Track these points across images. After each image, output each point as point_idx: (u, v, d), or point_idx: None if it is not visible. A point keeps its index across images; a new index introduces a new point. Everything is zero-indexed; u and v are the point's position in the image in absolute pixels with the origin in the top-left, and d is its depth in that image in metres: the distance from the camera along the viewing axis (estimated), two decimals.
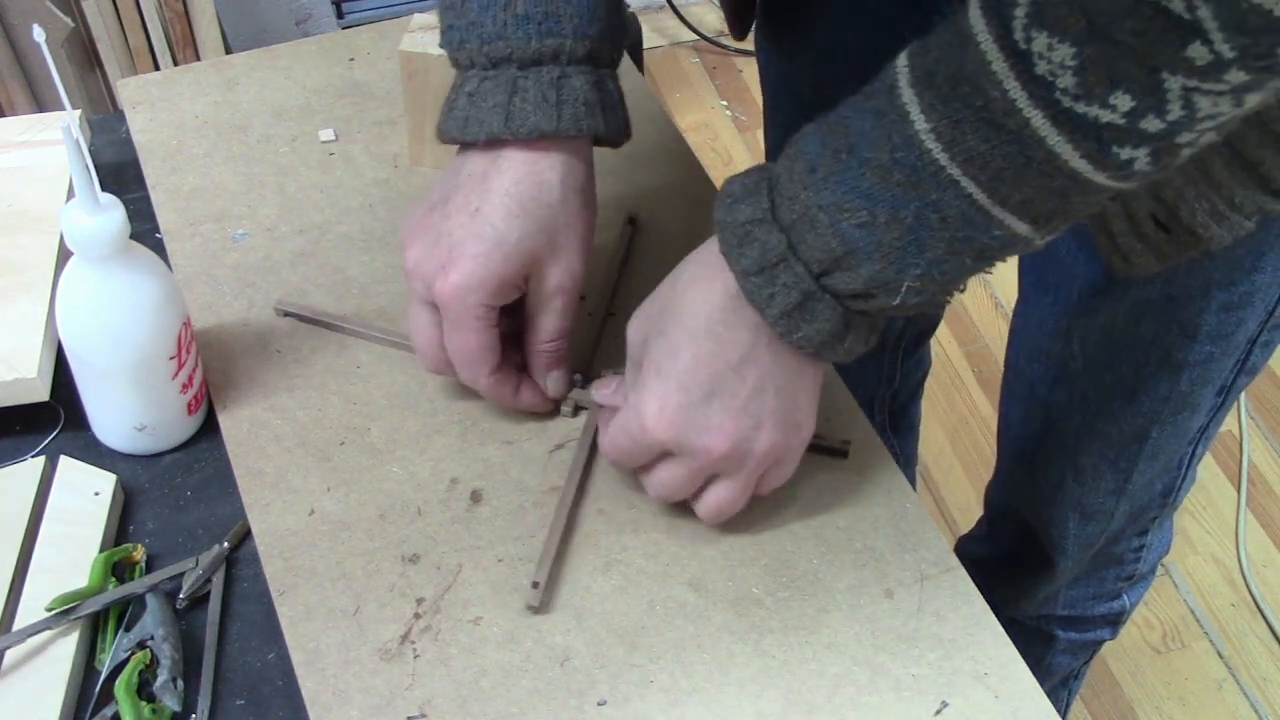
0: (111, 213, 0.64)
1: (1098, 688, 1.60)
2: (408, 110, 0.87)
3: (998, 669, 0.65)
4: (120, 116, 0.93)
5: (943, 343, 1.96)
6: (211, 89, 0.95)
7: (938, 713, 0.63)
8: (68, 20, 1.81)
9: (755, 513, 0.68)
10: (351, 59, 0.98)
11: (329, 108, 0.94)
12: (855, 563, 0.69)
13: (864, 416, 0.75)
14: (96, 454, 0.73)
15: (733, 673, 0.64)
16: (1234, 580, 1.71)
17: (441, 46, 0.69)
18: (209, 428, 0.75)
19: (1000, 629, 0.66)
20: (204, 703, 0.63)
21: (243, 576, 0.69)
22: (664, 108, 1.10)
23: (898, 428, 1.35)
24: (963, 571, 0.68)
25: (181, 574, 0.68)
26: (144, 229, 0.85)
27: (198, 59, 1.96)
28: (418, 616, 0.66)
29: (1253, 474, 1.82)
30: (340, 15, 2.27)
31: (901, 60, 0.53)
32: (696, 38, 2.51)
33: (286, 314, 0.79)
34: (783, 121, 1.06)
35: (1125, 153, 0.49)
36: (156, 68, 1.93)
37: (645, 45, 2.30)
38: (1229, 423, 1.85)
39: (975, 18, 0.49)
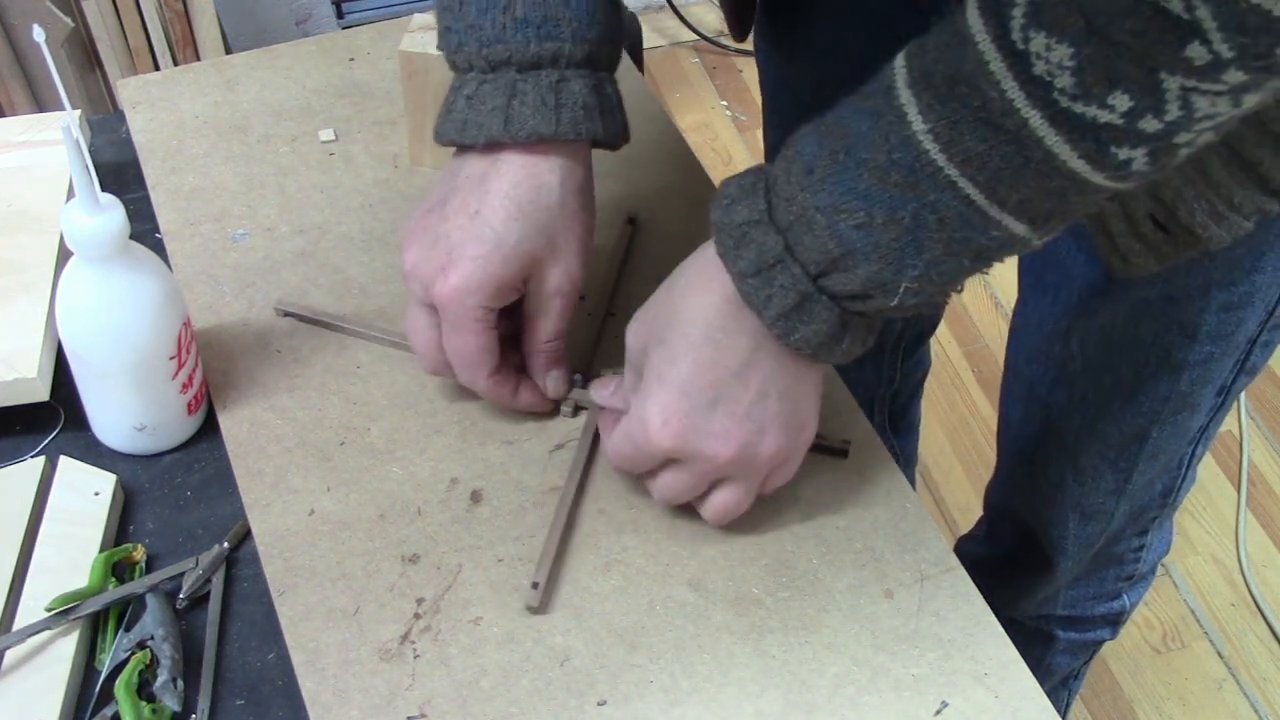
0: (111, 213, 0.65)
1: (1098, 688, 1.60)
2: (408, 110, 0.87)
3: (998, 669, 0.65)
4: (120, 116, 0.93)
5: (943, 343, 1.96)
6: (211, 89, 0.95)
7: (938, 713, 0.63)
8: (68, 20, 1.81)
9: (755, 513, 0.68)
10: (351, 59, 0.98)
11: (329, 108, 0.94)
12: (855, 563, 0.69)
13: (864, 416, 0.75)
14: (96, 454, 0.73)
15: (733, 673, 0.64)
16: (1234, 580, 1.71)
17: (439, 49, 0.69)
18: (209, 428, 0.75)
19: (1000, 629, 0.66)
20: (204, 703, 0.63)
21: (243, 576, 0.69)
22: (664, 108, 1.10)
23: (898, 428, 1.36)
24: (963, 571, 0.68)
25: (181, 574, 0.68)
26: (144, 229, 0.85)
27: (198, 59, 1.96)
28: (418, 616, 0.66)
29: (1253, 474, 1.82)
30: (340, 15, 2.28)
31: (899, 61, 0.53)
32: (696, 38, 2.51)
33: (286, 314, 0.79)
34: (781, 122, 1.06)
35: (1123, 153, 0.49)
36: (156, 68, 1.93)
37: (645, 45, 2.30)
38: (1229, 423, 1.85)
39: (973, 18, 0.49)
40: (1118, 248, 0.70)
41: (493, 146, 0.67)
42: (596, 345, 0.79)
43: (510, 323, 0.72)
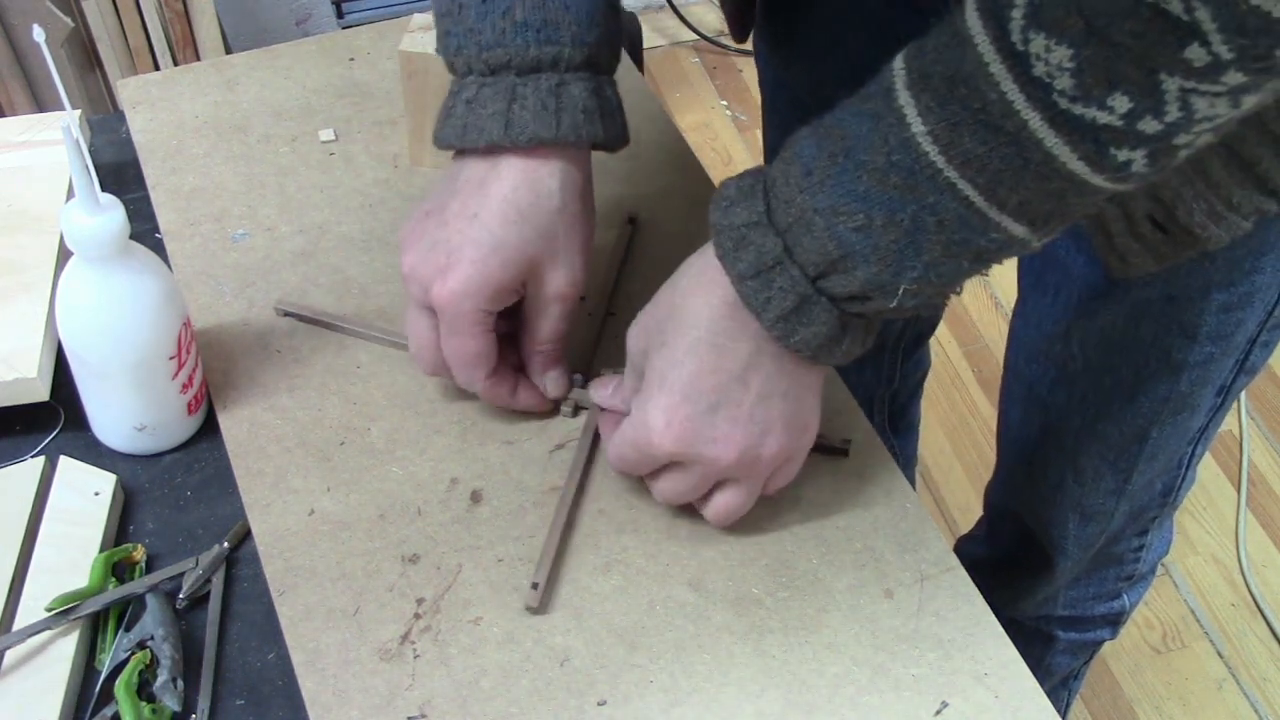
0: (111, 213, 0.65)
1: (1098, 688, 1.60)
2: (408, 110, 0.87)
3: (998, 669, 0.65)
4: (120, 116, 0.93)
5: (943, 343, 1.96)
6: (211, 89, 0.95)
7: (938, 713, 0.63)
8: (68, 20, 1.81)
9: (756, 513, 0.68)
10: (351, 59, 0.98)
11: (329, 108, 0.94)
12: (855, 563, 0.69)
13: (864, 416, 0.75)
14: (96, 454, 0.73)
15: (733, 673, 0.64)
16: (1234, 580, 1.71)
17: (438, 52, 0.69)
18: (209, 428, 0.75)
19: (1000, 629, 0.66)
20: (204, 703, 0.63)
21: (243, 576, 0.69)
22: (664, 108, 1.10)
23: (897, 428, 1.36)
24: (963, 571, 0.68)
25: (181, 574, 0.68)
26: (144, 229, 0.85)
27: (198, 59, 1.96)
28: (418, 616, 0.66)
29: (1253, 474, 1.82)
30: (340, 15, 2.28)
31: (898, 62, 0.53)
32: (696, 38, 2.51)
33: (286, 314, 0.79)
34: (781, 123, 1.06)
35: (1123, 154, 0.49)
36: (156, 68, 1.93)
37: (645, 45, 2.30)
38: (1229, 423, 1.85)
39: (972, 19, 0.49)
40: (1116, 248, 0.70)
41: (492, 150, 0.67)
42: (596, 345, 0.79)
43: (510, 323, 0.72)
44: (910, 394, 1.35)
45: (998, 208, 0.52)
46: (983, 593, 0.68)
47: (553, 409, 0.75)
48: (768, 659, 0.65)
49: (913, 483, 1.46)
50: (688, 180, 0.90)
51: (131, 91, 0.94)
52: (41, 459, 0.72)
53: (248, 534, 0.70)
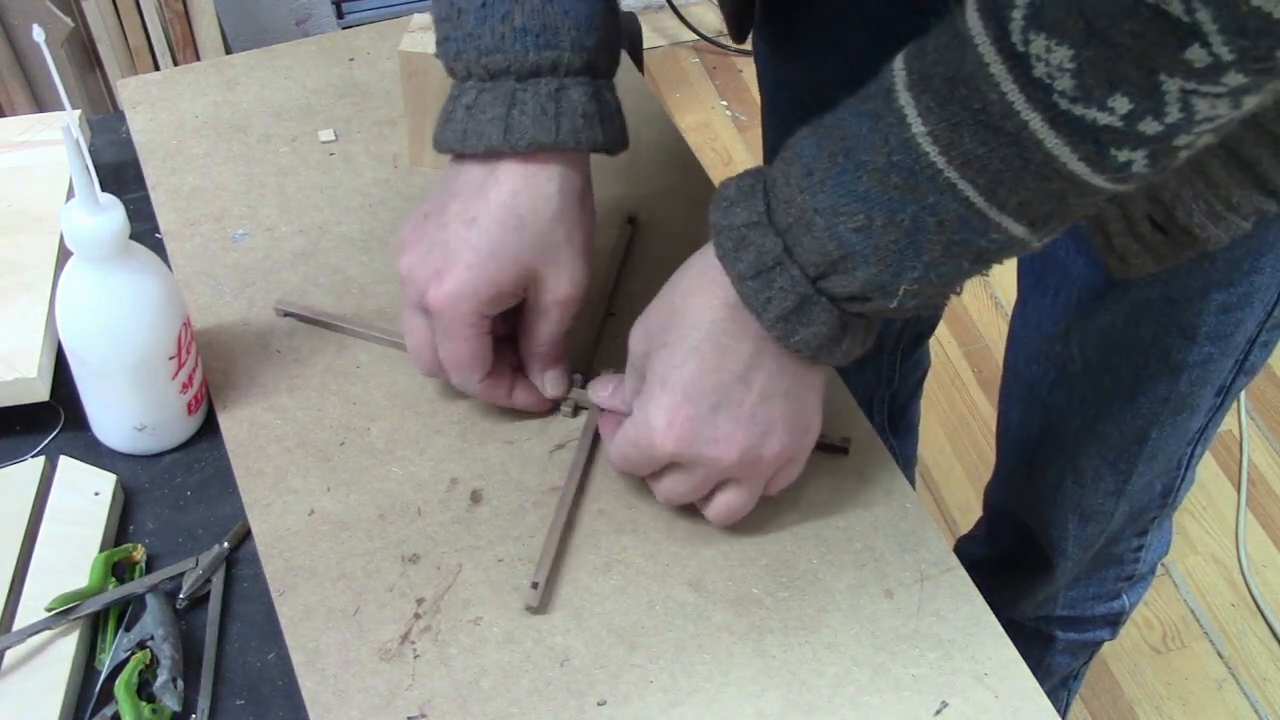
0: (111, 213, 0.65)
1: (1098, 688, 1.60)
2: (407, 110, 0.87)
3: (998, 669, 0.65)
4: (120, 116, 0.93)
5: (943, 343, 1.96)
6: (211, 89, 0.95)
7: (938, 713, 0.63)
8: (68, 20, 1.81)
9: (756, 513, 0.68)
10: (351, 59, 0.98)
11: (329, 108, 0.94)
12: (855, 563, 0.69)
13: (864, 416, 0.75)
14: (96, 454, 0.73)
15: (733, 673, 0.64)
16: (1234, 580, 1.71)
17: (437, 56, 0.69)
18: (209, 428, 0.75)
19: (1000, 629, 0.66)
20: (204, 703, 0.63)
21: (243, 576, 0.69)
22: (664, 108, 1.10)
23: (897, 428, 1.36)
24: (963, 572, 0.68)
25: (181, 574, 0.68)
26: (144, 229, 0.85)
27: (198, 59, 1.96)
28: (418, 616, 0.66)
29: (1253, 474, 1.82)
30: (340, 15, 2.28)
31: (898, 63, 0.53)
32: (696, 38, 2.51)
33: (286, 314, 0.79)
34: (780, 124, 1.06)
35: (1123, 155, 0.49)
36: (156, 68, 1.93)
37: (645, 45, 2.30)
38: (1229, 423, 1.85)
39: (973, 19, 0.49)
40: (1115, 248, 0.70)
41: (492, 154, 0.67)
42: (596, 345, 0.79)
43: (509, 324, 0.72)
44: (910, 394, 1.35)
45: (998, 208, 0.52)
46: (983, 593, 0.68)
47: (552, 409, 0.75)
48: (768, 659, 0.65)
49: (913, 483, 1.46)
50: (688, 180, 0.90)
51: (131, 91, 0.94)
52: (41, 459, 0.72)
53: (248, 534, 0.70)
